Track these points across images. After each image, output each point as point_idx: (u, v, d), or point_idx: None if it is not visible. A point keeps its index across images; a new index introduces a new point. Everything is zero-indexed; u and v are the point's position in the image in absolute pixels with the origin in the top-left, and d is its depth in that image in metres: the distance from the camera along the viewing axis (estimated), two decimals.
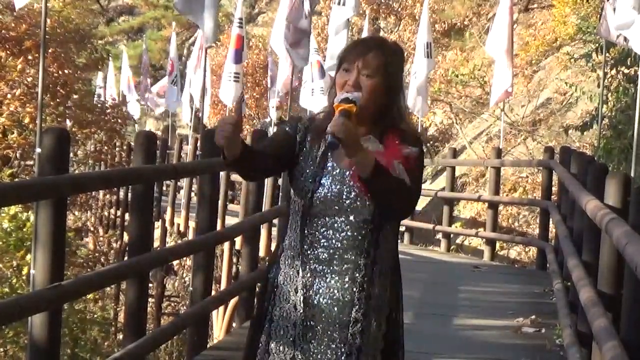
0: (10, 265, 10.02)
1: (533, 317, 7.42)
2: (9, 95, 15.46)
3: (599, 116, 10.40)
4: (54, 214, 4.31)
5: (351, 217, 2.84)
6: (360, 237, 2.84)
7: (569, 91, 16.48)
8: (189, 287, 7.36)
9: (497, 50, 12.94)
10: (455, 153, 14.45)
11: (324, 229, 2.86)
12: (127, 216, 18.16)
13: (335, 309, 2.84)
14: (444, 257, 12.41)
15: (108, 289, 16.57)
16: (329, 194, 2.85)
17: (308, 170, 2.90)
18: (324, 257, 2.86)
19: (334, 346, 2.84)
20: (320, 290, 2.86)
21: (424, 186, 18.50)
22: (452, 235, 14.09)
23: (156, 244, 15.71)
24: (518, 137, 18.21)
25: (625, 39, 8.28)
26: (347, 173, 2.85)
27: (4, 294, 9.53)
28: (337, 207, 2.85)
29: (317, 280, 2.86)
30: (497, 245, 13.13)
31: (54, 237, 4.32)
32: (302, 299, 2.87)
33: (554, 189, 11.73)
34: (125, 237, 18.34)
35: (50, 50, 15.76)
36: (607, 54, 11.07)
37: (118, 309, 16.42)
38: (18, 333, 9.74)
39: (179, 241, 15.55)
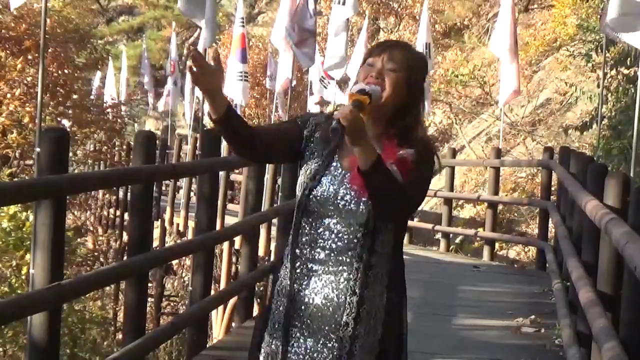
0: (10, 265, 10.01)
1: (532, 317, 7.42)
2: (8, 95, 15.46)
3: (599, 116, 10.40)
4: (53, 213, 4.31)
5: (346, 220, 2.82)
6: (355, 241, 2.81)
7: (569, 91, 16.48)
8: (189, 287, 7.36)
9: (501, 50, 12.91)
10: (454, 153, 14.45)
11: (321, 229, 2.84)
12: (126, 216, 18.16)
13: (330, 308, 2.82)
14: (443, 257, 12.40)
15: (107, 288, 16.56)
16: (325, 193, 2.83)
17: (312, 166, 2.88)
18: (320, 257, 2.84)
19: (330, 345, 2.82)
20: (316, 290, 2.84)
21: None
22: (451, 235, 14.08)
23: (155, 243, 15.71)
24: (518, 137, 18.22)
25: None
26: (348, 175, 2.83)
27: (4, 294, 9.53)
28: (332, 208, 2.83)
29: (313, 279, 2.85)
30: (497, 245, 13.13)
31: (53, 237, 4.31)
32: (297, 297, 2.86)
33: (554, 189, 11.73)
34: (125, 237, 18.34)
35: (50, 50, 15.77)
36: (607, 54, 11.07)
37: (117, 309, 16.42)
38: (17, 333, 9.74)
39: (178, 241, 15.54)
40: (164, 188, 19.50)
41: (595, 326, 4.18)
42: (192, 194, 16.08)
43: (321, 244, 2.84)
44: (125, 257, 13.06)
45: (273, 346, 2.90)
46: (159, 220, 17.23)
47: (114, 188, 18.38)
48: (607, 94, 11.73)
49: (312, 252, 2.85)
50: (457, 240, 15.25)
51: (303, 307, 2.85)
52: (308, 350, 2.84)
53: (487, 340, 6.81)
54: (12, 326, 9.33)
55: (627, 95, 11.29)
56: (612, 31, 8.09)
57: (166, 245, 16.06)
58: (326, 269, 2.83)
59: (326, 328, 2.82)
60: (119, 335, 12.97)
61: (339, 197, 2.82)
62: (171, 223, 17.22)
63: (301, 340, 2.85)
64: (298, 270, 2.87)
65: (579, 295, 5.03)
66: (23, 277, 9.53)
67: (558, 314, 6.66)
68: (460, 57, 21.47)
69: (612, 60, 11.81)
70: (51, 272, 4.29)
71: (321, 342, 2.83)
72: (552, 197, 11.46)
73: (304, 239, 2.87)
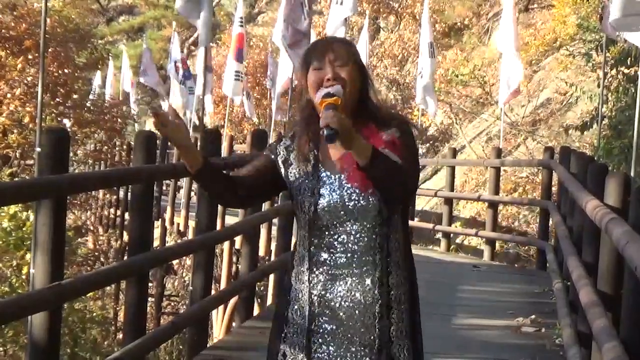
0: (10, 265, 10.02)
1: (533, 316, 7.42)
2: (8, 95, 15.47)
3: (599, 116, 10.41)
4: (53, 213, 4.31)
5: (361, 218, 2.85)
6: (374, 236, 2.85)
7: (569, 91, 16.48)
8: (189, 287, 7.36)
9: (508, 47, 12.88)
10: (455, 153, 14.44)
11: (337, 235, 2.86)
12: (126, 216, 18.16)
13: (357, 312, 2.84)
14: (444, 256, 12.40)
15: (108, 288, 16.57)
16: (331, 203, 2.86)
17: (304, 185, 2.90)
18: (342, 261, 2.86)
19: (353, 349, 2.84)
20: (342, 294, 2.85)
21: (423, 186, 18.53)
22: (451, 235, 14.08)
23: (156, 243, 15.71)
24: (518, 137, 18.22)
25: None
26: (343, 177, 2.86)
27: (4, 294, 9.53)
28: (343, 212, 2.85)
29: (337, 284, 2.86)
30: (497, 244, 13.12)
31: (53, 237, 4.31)
32: (319, 304, 2.87)
33: (554, 188, 11.73)
34: (125, 237, 18.34)
35: (50, 50, 15.77)
36: (607, 54, 11.07)
37: (118, 308, 16.42)
38: (18, 332, 9.74)
39: (179, 241, 15.54)
40: (164, 188, 19.50)
41: (596, 326, 4.18)
42: (192, 193, 16.08)
43: (341, 249, 2.86)
44: (125, 257, 13.06)
45: (294, 356, 2.90)
46: (160, 220, 17.24)
47: (115, 188, 18.39)
48: (607, 93, 11.73)
49: (333, 257, 2.87)
50: (457, 240, 15.26)
51: (329, 312, 2.86)
52: (331, 356, 2.85)
53: (487, 339, 6.82)
54: (12, 326, 9.33)
55: (628, 94, 11.29)
56: (615, 31, 8.09)
57: (167, 245, 16.07)
58: (350, 271, 2.85)
59: (351, 331, 2.84)
60: (120, 335, 12.97)
61: (346, 200, 2.85)
62: (172, 223, 17.22)
63: (324, 347, 2.86)
64: (320, 277, 2.87)
65: (580, 295, 5.03)
66: (23, 276, 9.53)
67: (558, 313, 6.66)
68: (460, 57, 21.46)
69: (612, 60, 11.81)
70: (51, 272, 4.29)
71: (344, 346, 2.85)
72: (552, 196, 11.46)
73: (320, 248, 2.88)
